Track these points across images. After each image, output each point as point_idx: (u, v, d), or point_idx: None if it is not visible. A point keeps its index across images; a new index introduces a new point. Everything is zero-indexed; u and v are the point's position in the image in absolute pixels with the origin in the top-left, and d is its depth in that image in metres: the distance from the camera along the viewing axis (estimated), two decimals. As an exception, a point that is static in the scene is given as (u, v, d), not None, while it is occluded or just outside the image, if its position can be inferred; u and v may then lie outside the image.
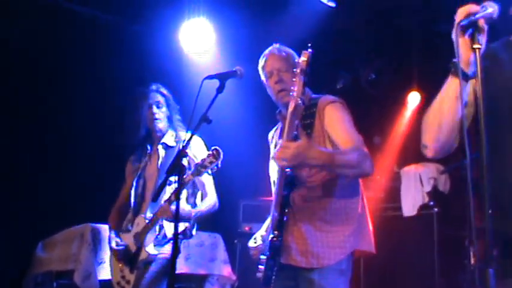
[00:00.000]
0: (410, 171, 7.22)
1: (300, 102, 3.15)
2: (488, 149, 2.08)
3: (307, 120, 3.43)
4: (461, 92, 2.22)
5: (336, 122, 3.42)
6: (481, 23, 2.24)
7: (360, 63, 7.13)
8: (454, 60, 2.29)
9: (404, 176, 7.25)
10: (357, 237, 3.43)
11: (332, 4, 5.83)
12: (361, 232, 3.46)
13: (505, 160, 2.37)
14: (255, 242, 3.60)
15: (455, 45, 2.26)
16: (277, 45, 3.65)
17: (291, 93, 3.17)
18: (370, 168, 3.29)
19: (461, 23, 2.23)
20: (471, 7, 2.25)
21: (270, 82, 3.56)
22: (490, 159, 2.11)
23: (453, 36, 2.26)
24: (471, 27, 2.24)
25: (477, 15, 2.22)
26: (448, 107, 2.35)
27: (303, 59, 3.16)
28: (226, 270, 5.46)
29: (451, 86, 2.35)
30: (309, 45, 3.20)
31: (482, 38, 2.26)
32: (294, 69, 3.19)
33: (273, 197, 3.42)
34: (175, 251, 3.16)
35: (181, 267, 4.90)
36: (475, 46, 2.21)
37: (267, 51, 3.64)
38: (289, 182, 3.31)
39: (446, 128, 2.38)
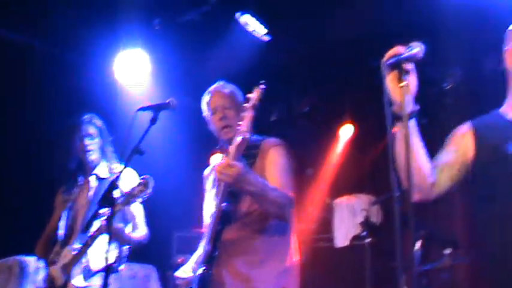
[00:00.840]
0: (343, 202, 7.33)
1: (247, 136, 3.23)
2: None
3: (249, 159, 3.52)
4: (390, 137, 2.34)
5: (275, 165, 3.51)
6: (406, 62, 2.37)
7: (294, 96, 7.23)
8: (392, 107, 2.41)
9: (337, 207, 7.35)
10: (288, 276, 3.48)
11: (266, 38, 5.91)
12: (292, 271, 3.52)
13: None
14: (184, 273, 3.58)
15: (384, 83, 2.39)
16: (221, 83, 3.74)
17: (237, 128, 3.23)
18: (289, 215, 3.43)
19: (388, 62, 2.35)
20: (398, 49, 2.38)
21: (214, 118, 3.62)
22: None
23: (382, 76, 2.39)
24: (397, 66, 2.35)
25: (403, 55, 2.34)
26: (402, 149, 2.42)
27: (255, 94, 3.25)
28: (159, 303, 5.41)
29: (399, 130, 2.45)
30: (262, 82, 3.29)
31: (410, 77, 2.40)
32: (243, 105, 3.27)
33: (207, 230, 3.43)
34: (107, 279, 3.13)
35: (113, 300, 4.82)
36: (400, 84, 2.34)
37: (211, 88, 3.72)
38: (224, 216, 3.36)
39: (414, 167, 2.46)
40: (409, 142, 2.29)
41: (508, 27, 2.73)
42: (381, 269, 6.48)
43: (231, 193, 3.39)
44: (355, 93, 6.95)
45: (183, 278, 3.54)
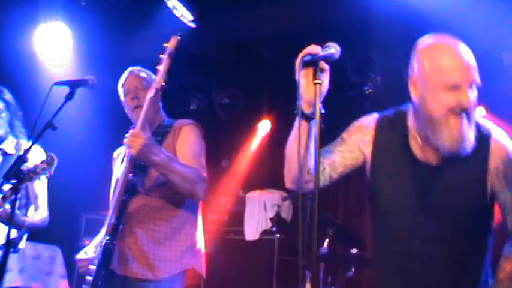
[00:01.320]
0: (255, 196, 7.38)
1: (162, 85, 3.29)
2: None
3: (158, 137, 3.50)
4: (299, 131, 2.38)
5: (187, 143, 3.51)
6: (322, 61, 2.38)
7: (215, 88, 7.21)
8: (297, 103, 2.42)
9: (249, 201, 7.40)
10: (192, 256, 3.49)
11: (193, 25, 5.86)
12: (196, 252, 3.53)
13: None
14: (85, 254, 3.50)
15: (297, 78, 2.40)
16: (138, 67, 3.73)
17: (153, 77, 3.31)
18: (202, 192, 3.39)
19: (304, 59, 2.37)
20: (315, 47, 2.40)
21: (127, 98, 3.60)
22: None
23: (296, 71, 2.40)
24: (313, 64, 2.39)
25: (320, 54, 2.37)
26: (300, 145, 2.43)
27: (171, 43, 3.29)
28: (63, 286, 5.28)
29: (302, 125, 2.45)
30: (179, 34, 3.31)
31: (324, 76, 2.41)
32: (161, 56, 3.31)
33: (111, 202, 3.40)
34: (6, 257, 3.05)
35: (15, 279, 4.66)
36: (316, 81, 2.36)
37: (127, 71, 3.71)
38: (130, 187, 3.36)
39: (296, 163, 2.45)
40: (306, 137, 2.34)
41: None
42: (288, 264, 6.58)
43: (139, 165, 3.38)
44: (275, 89, 7.00)
45: (84, 259, 3.45)
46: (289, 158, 2.56)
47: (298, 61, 2.38)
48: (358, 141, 2.69)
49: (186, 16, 5.74)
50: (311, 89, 2.37)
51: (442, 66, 2.44)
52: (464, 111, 2.41)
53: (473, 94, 2.43)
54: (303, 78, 2.41)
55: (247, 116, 7.47)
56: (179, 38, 3.34)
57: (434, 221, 2.52)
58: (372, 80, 6.30)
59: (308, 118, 2.44)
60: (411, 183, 2.56)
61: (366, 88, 6.32)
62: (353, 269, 5.52)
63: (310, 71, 2.39)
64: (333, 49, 2.41)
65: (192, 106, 7.07)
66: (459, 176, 2.52)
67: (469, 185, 2.51)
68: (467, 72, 2.42)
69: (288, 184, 2.62)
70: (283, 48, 6.11)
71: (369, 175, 2.68)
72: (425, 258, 2.52)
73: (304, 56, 2.37)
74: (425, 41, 2.56)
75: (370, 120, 2.73)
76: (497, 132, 2.57)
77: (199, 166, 3.41)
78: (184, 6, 5.69)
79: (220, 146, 7.49)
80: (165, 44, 3.34)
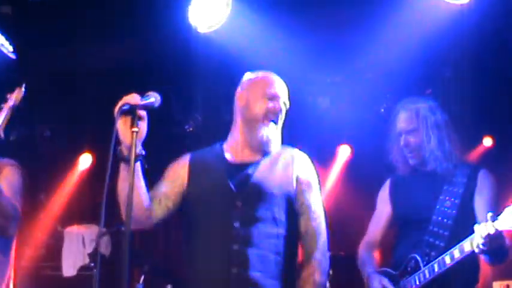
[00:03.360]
0: (73, 231, 7.25)
1: (1, 135, 3.25)
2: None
3: None
4: (108, 170, 2.43)
5: (9, 180, 3.45)
6: (141, 110, 2.57)
7: (37, 119, 7.05)
8: (119, 147, 2.63)
9: (67, 236, 7.24)
10: None
11: (12, 56, 5.72)
12: None
13: None
14: None
15: (115, 127, 2.53)
16: None
17: None
18: (14, 228, 3.40)
19: (123, 108, 2.50)
20: (134, 96, 2.57)
21: None
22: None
23: (115, 119, 2.53)
24: (131, 112, 2.52)
25: (140, 103, 2.55)
26: (125, 187, 2.59)
27: (16, 95, 3.19)
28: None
29: (122, 170, 2.69)
30: (24, 84, 3.24)
31: (142, 123, 2.59)
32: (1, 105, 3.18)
33: None
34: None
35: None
36: (133, 129, 2.52)
37: None
38: None
39: (135, 203, 2.61)
40: (132, 181, 2.44)
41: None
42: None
43: None
44: (96, 123, 6.97)
45: None
46: (122, 201, 2.74)
47: (116, 109, 2.50)
48: (177, 173, 3.04)
49: (6, 46, 5.60)
50: (129, 134, 2.52)
51: (265, 80, 3.16)
52: (276, 117, 3.07)
53: (283, 109, 3.14)
54: (122, 125, 2.56)
55: (68, 149, 7.35)
56: (24, 90, 3.26)
57: (250, 205, 2.88)
58: (193, 118, 6.51)
59: (128, 161, 2.58)
60: (226, 181, 2.94)
61: (187, 127, 6.51)
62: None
63: (129, 118, 2.53)
64: (153, 98, 2.59)
65: (12, 137, 6.83)
66: (270, 170, 3.01)
67: (278, 178, 3.00)
68: (282, 91, 3.16)
69: (134, 227, 2.73)
70: (107, 84, 6.17)
71: (186, 191, 3.01)
72: (243, 239, 2.82)
73: (123, 105, 2.50)
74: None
75: (184, 157, 3.13)
76: (299, 152, 3.19)
77: (16, 202, 3.38)
78: (2, 35, 5.55)
79: (39, 179, 7.28)
80: (8, 95, 3.25)
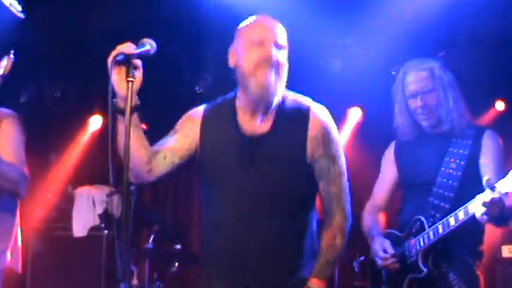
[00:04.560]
0: (84, 192, 7.28)
1: None
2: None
3: None
4: (112, 124, 2.51)
5: (9, 137, 3.44)
6: (136, 59, 2.50)
7: (46, 81, 7.04)
8: (114, 99, 2.55)
9: (78, 197, 7.28)
10: (13, 255, 3.46)
11: (21, 15, 5.68)
12: (15, 251, 3.49)
13: None
14: None
15: (110, 77, 2.51)
16: None
17: None
18: (24, 191, 3.40)
19: (116, 58, 2.46)
20: (129, 45, 2.50)
21: None
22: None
23: (109, 70, 2.50)
24: (125, 62, 2.47)
25: (134, 52, 2.48)
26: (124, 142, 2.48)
27: (5, 64, 3.15)
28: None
29: (120, 121, 2.59)
30: (12, 51, 3.20)
31: (137, 72, 2.53)
32: None
33: None
34: None
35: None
36: (129, 79, 2.45)
37: None
38: None
39: (132, 156, 2.52)
40: (128, 133, 2.39)
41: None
42: (116, 261, 6.55)
43: None
44: (107, 85, 6.95)
45: None
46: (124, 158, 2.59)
47: (110, 59, 2.46)
48: (189, 129, 2.88)
49: (14, 6, 5.56)
50: (124, 85, 2.47)
51: (249, 26, 2.85)
52: (269, 64, 2.72)
53: (280, 53, 2.78)
54: (116, 75, 2.52)
55: (79, 110, 7.36)
56: (13, 58, 3.21)
57: (260, 182, 2.76)
58: (203, 79, 6.48)
59: (123, 112, 2.52)
60: (235, 155, 2.80)
61: (197, 88, 6.49)
62: (176, 265, 5.63)
63: (123, 69, 2.48)
64: (148, 46, 2.52)
65: (22, 99, 6.83)
66: (282, 143, 2.80)
67: (290, 151, 2.80)
68: (270, 32, 2.79)
69: (132, 179, 2.69)
70: (117, 45, 6.13)
71: (198, 157, 2.88)
72: (252, 216, 2.75)
73: (117, 55, 2.45)
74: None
75: (198, 111, 2.96)
76: (315, 107, 2.90)
77: (20, 163, 3.39)
78: (11, -5, 5.51)
79: (50, 140, 7.31)
80: None
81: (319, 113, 2.89)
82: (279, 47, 2.79)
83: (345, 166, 2.90)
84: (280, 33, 2.83)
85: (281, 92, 2.82)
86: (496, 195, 3.00)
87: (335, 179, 2.84)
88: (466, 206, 3.22)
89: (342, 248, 2.85)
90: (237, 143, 2.82)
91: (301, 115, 2.85)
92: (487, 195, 3.02)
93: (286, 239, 2.79)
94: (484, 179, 3.04)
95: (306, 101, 2.93)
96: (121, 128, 2.58)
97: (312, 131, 2.82)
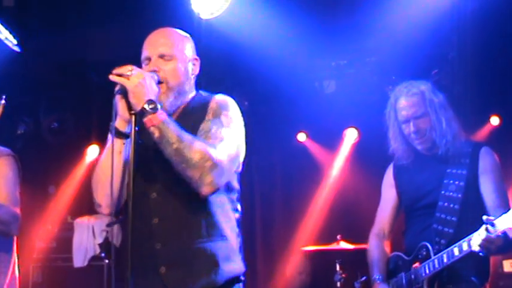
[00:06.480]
0: (84, 222, 7.26)
1: None
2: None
3: None
4: (113, 148, 2.47)
5: (3, 178, 3.43)
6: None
7: (43, 111, 7.06)
8: (111, 123, 2.52)
9: (77, 227, 7.26)
10: None
11: (17, 49, 5.73)
12: (12, 286, 3.48)
13: None
14: None
15: (114, 108, 2.51)
16: None
17: None
18: (16, 230, 3.41)
19: (117, 91, 2.49)
20: (126, 68, 2.53)
21: None
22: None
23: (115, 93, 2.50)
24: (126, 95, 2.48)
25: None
26: (116, 163, 2.50)
27: None
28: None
29: (115, 144, 2.53)
30: (4, 96, 3.22)
31: None
32: None
33: None
34: None
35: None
36: (132, 112, 2.48)
37: None
38: None
39: (116, 182, 2.52)
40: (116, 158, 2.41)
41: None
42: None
43: None
44: (104, 114, 6.97)
45: None
46: (103, 180, 2.58)
47: (116, 88, 2.49)
48: None
49: (10, 39, 5.61)
50: (128, 112, 2.49)
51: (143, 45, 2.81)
52: (154, 72, 2.63)
53: (167, 64, 2.73)
54: (119, 99, 2.51)
55: (76, 141, 7.37)
56: (4, 103, 3.23)
57: (159, 175, 2.66)
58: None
59: (124, 136, 2.53)
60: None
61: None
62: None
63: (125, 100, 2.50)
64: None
65: (19, 130, 6.85)
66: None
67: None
68: (155, 46, 2.75)
69: (106, 209, 2.66)
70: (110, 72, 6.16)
71: None
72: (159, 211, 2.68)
73: (117, 90, 2.49)
74: None
75: None
76: (218, 95, 2.84)
77: (13, 203, 3.39)
78: (7, 29, 5.56)
79: (47, 171, 7.31)
80: None
81: (219, 97, 2.83)
82: (165, 57, 2.74)
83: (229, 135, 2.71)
84: (166, 44, 2.78)
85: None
86: (493, 234, 3.03)
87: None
88: (470, 238, 3.20)
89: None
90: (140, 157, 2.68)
91: (204, 103, 2.79)
92: (482, 234, 3.06)
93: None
94: (484, 218, 3.06)
95: (208, 94, 2.87)
96: (115, 148, 2.53)
97: (210, 114, 2.74)
